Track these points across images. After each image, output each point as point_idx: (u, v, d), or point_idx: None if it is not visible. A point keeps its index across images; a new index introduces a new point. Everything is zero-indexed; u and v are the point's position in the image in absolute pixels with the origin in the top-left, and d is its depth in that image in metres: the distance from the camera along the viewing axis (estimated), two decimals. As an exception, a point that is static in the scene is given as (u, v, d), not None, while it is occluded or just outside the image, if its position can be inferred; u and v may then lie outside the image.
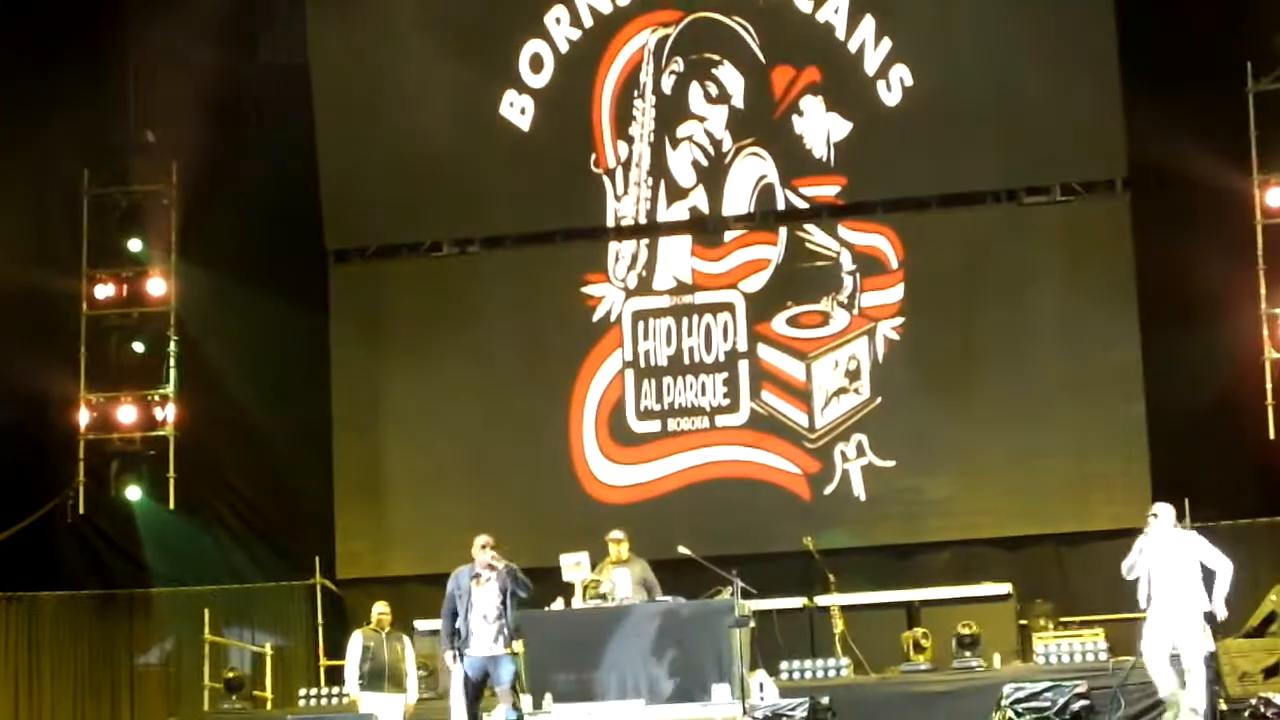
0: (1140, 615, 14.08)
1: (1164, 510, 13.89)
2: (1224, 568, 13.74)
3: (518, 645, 14.11)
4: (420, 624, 17.78)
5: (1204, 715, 13.58)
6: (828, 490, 18.82)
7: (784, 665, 16.64)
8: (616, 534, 15.96)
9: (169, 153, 20.00)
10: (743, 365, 19.16)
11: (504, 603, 13.68)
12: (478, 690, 13.85)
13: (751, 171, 19.32)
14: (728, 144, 19.37)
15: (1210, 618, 13.92)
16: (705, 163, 19.42)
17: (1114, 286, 18.34)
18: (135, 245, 20.20)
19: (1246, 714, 13.68)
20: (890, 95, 18.99)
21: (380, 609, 15.94)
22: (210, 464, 20.12)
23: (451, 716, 14.20)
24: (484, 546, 13.78)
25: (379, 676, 15.56)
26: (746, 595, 14.97)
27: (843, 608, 17.26)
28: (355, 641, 15.78)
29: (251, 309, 19.81)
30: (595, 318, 19.49)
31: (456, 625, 13.76)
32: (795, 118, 19.18)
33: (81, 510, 19.70)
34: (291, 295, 19.77)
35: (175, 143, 19.84)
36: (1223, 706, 15.38)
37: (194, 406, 19.93)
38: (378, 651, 15.61)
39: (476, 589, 13.72)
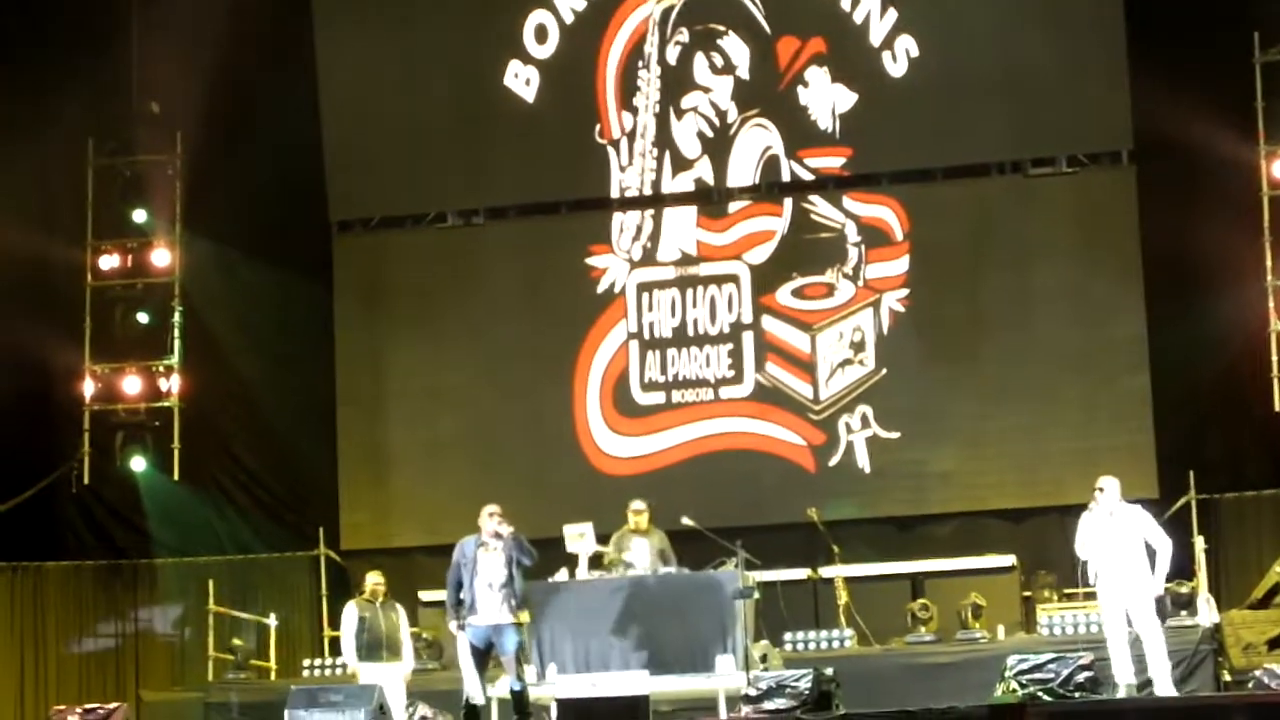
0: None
1: (1109, 484, 13.88)
2: (1165, 546, 13.80)
3: (524, 615, 14.10)
4: (424, 594, 17.82)
5: (1171, 684, 13.66)
6: (832, 462, 18.80)
7: (788, 636, 16.68)
8: (638, 504, 15.89)
9: (173, 123, 19.92)
10: (747, 337, 19.13)
11: (510, 571, 13.75)
12: (483, 658, 13.89)
13: (756, 143, 19.27)
14: (733, 115, 19.32)
15: (1160, 602, 14.01)
16: (710, 134, 19.37)
17: (1120, 258, 18.31)
18: (140, 216, 20.14)
19: (1250, 685, 13.65)
20: (896, 66, 18.94)
21: (375, 579, 15.68)
22: (214, 435, 20.13)
23: (465, 684, 14.15)
24: (492, 515, 13.86)
25: (377, 647, 15.33)
26: (750, 566, 14.97)
27: (847, 579, 17.30)
28: (350, 614, 15.50)
29: (256, 279, 19.81)
30: (599, 289, 19.46)
31: (461, 595, 13.83)
32: (800, 89, 19.13)
33: (86, 481, 19.69)
34: (295, 266, 19.80)
35: (179, 113, 19.79)
36: (1226, 678, 15.42)
37: (198, 377, 19.91)
38: (374, 622, 15.37)
39: (483, 555, 13.80)
